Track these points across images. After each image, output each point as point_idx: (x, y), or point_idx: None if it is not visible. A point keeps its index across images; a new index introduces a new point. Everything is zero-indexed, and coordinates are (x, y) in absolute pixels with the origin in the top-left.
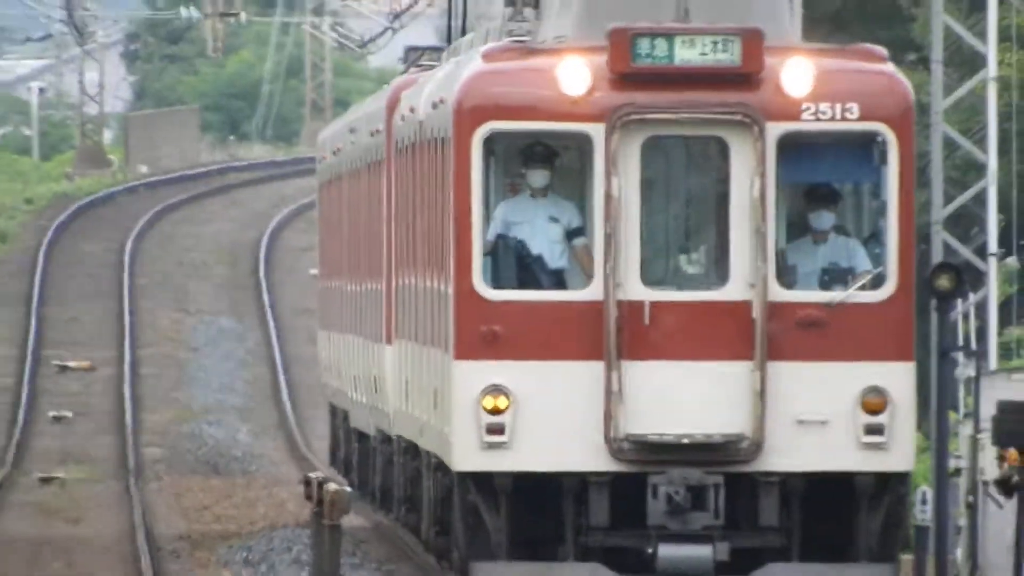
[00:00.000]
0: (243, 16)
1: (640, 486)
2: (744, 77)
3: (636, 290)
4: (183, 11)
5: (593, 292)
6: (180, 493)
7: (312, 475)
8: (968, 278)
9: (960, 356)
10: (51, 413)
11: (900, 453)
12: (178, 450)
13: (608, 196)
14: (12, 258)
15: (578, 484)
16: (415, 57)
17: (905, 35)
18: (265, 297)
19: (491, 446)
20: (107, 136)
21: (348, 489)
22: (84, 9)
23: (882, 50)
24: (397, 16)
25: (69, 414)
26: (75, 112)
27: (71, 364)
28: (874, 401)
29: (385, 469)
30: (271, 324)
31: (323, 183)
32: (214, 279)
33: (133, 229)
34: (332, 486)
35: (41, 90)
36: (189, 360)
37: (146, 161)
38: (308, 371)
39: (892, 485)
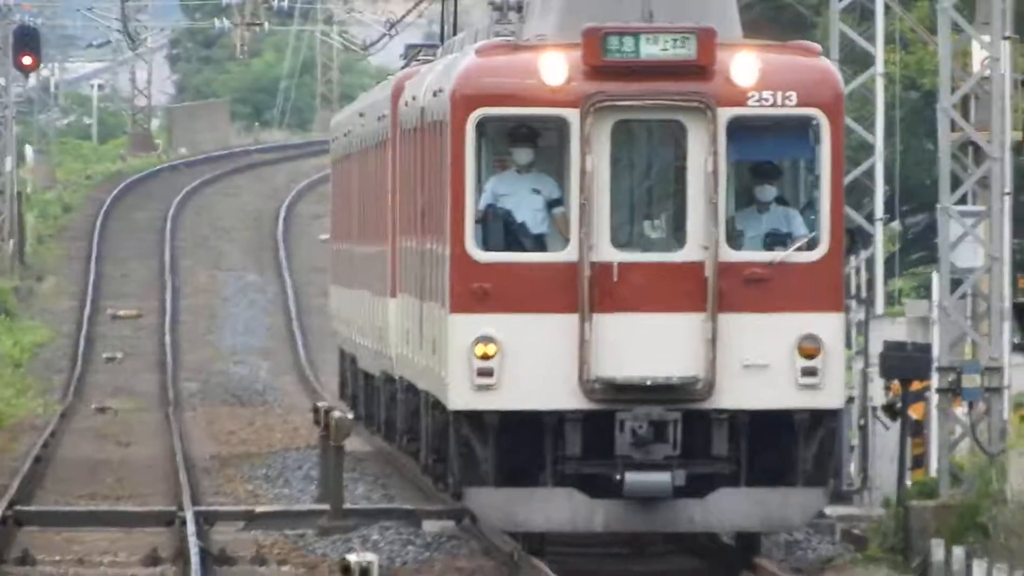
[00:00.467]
0: (266, 25)
1: (609, 422)
2: (699, 69)
3: (606, 252)
4: (216, 21)
5: (569, 254)
6: (211, 420)
7: (320, 404)
8: (860, 239)
9: (853, 303)
10: (105, 354)
11: (832, 392)
12: (210, 384)
13: (582, 171)
14: (75, 224)
15: (556, 420)
16: (414, 53)
17: (809, 39)
18: (283, 256)
19: (481, 388)
20: (154, 124)
21: (350, 416)
22: (136, 20)
23: (816, 46)
24: (393, 24)
25: (120, 355)
26: (127, 104)
27: (122, 313)
28: (809, 347)
29: (388, 405)
30: (287, 279)
31: (335, 161)
32: (241, 241)
33: (174, 200)
34: (337, 413)
35: (100, 87)
36: (219, 309)
37: (186, 144)
38: (317, 319)
39: (825, 420)
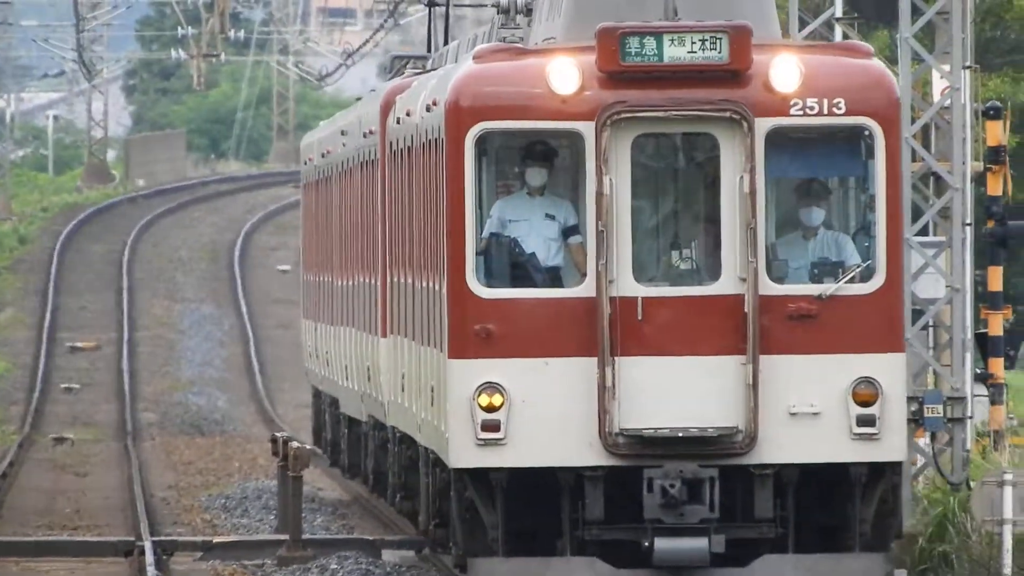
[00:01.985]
0: (222, 56)
1: (635, 480)
2: (732, 74)
3: (629, 286)
4: (173, 52)
5: (586, 289)
6: (169, 451)
7: (279, 435)
8: None
9: None
10: (63, 385)
11: (892, 443)
12: (168, 415)
13: (599, 194)
14: (31, 257)
15: (574, 479)
16: (400, 65)
17: None
18: (240, 288)
19: (487, 443)
20: (110, 155)
21: (308, 446)
22: (91, 50)
23: (867, 46)
24: (350, 55)
25: (78, 385)
26: (83, 136)
27: (80, 344)
28: (865, 392)
29: (377, 454)
30: (244, 310)
31: (308, 183)
32: (198, 273)
33: (131, 232)
34: (295, 444)
35: (55, 117)
36: (177, 340)
37: (143, 176)
38: (275, 349)
39: (886, 475)
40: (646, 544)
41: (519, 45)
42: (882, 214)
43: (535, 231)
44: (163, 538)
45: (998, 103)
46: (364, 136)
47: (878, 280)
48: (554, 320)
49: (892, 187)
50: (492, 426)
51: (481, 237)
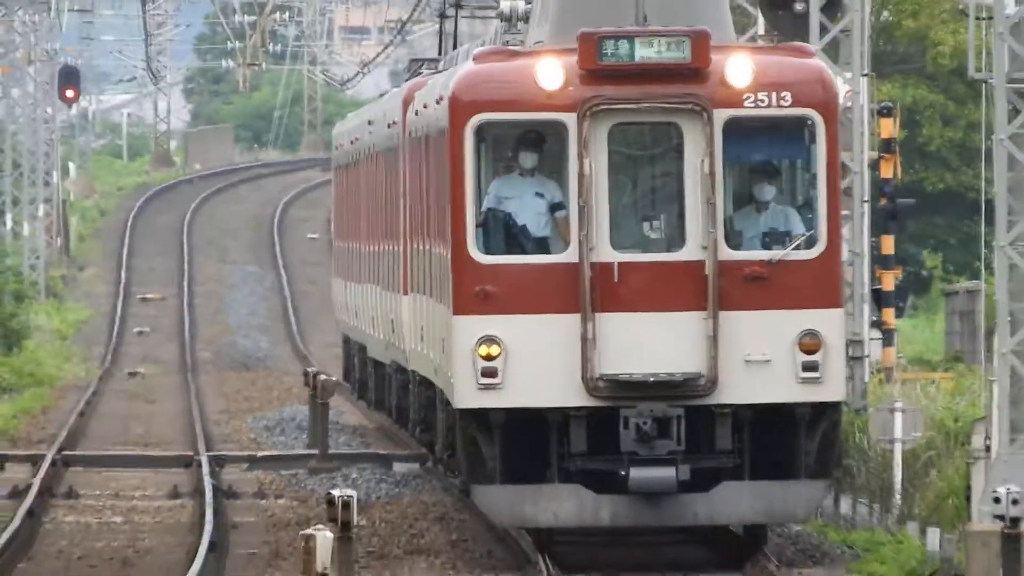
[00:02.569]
0: (263, 65)
1: (613, 419)
2: (694, 71)
3: (606, 253)
4: (224, 62)
5: (570, 255)
6: (221, 382)
7: (309, 369)
8: None
9: None
10: (135, 329)
11: (833, 386)
12: (220, 354)
13: (580, 175)
14: (109, 226)
15: (560, 418)
16: (417, 67)
17: None
18: (278, 252)
19: (486, 387)
20: (172, 145)
21: (333, 378)
22: (157, 60)
23: (811, 47)
24: (366, 64)
25: (147, 329)
26: (151, 129)
27: (149, 296)
28: (809, 342)
29: (400, 394)
30: (282, 270)
31: (339, 166)
32: (243, 239)
33: (190, 207)
34: (323, 376)
35: (128, 115)
36: (226, 294)
37: (199, 161)
38: (307, 301)
39: (827, 413)
40: (622, 473)
41: (513, 48)
42: (823, 191)
43: (526, 207)
44: (216, 453)
45: (890, 104)
46: (388, 127)
47: (820, 247)
48: (543, 282)
49: (831, 168)
50: (491, 372)
51: (480, 211)
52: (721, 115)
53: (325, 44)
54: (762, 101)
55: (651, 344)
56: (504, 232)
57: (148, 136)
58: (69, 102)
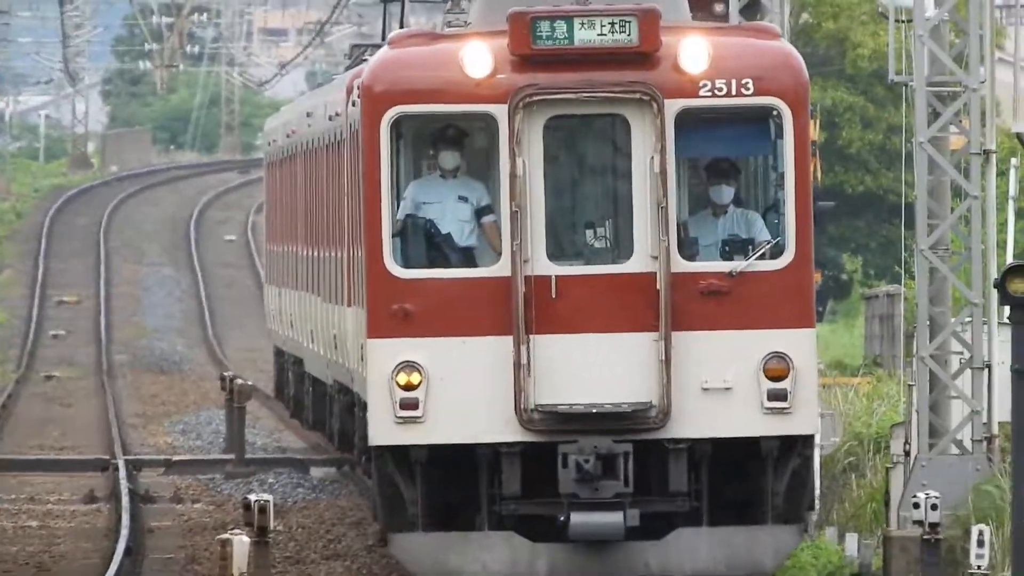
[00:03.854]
0: (180, 66)
1: (551, 456)
2: (642, 56)
3: (543, 265)
4: (141, 64)
5: (501, 268)
6: (138, 386)
7: (226, 374)
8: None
9: None
10: (51, 332)
11: (803, 417)
12: (136, 356)
13: (512, 175)
14: (25, 228)
15: (491, 455)
16: (359, 53)
17: None
18: (194, 254)
19: (405, 420)
20: (90, 147)
21: (249, 383)
22: (75, 62)
23: (775, 27)
24: (283, 66)
25: (63, 332)
26: (68, 131)
27: (65, 299)
28: (776, 368)
29: (343, 416)
30: (199, 272)
31: (272, 162)
32: (160, 241)
33: (107, 208)
34: (239, 381)
35: (46, 116)
36: (143, 296)
37: (116, 163)
38: (223, 304)
39: (797, 448)
40: (562, 519)
41: (434, 31)
42: (791, 192)
43: (448, 213)
44: (133, 457)
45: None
46: (330, 119)
47: (788, 256)
48: (470, 299)
49: (801, 166)
50: (411, 404)
51: (396, 219)
52: (673, 106)
53: (243, 46)
54: (720, 89)
55: (594, 370)
56: (425, 242)
57: (66, 138)
58: None
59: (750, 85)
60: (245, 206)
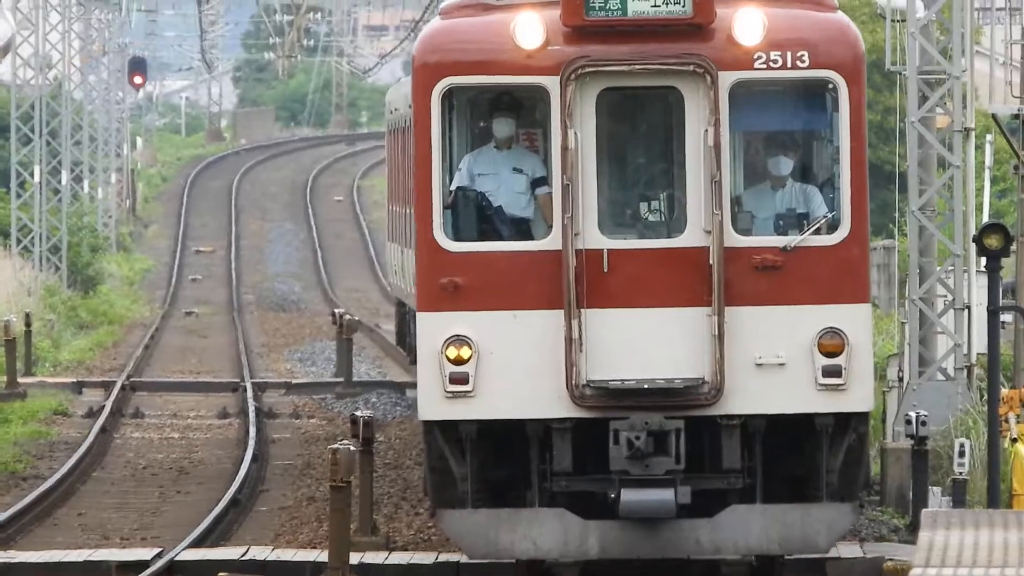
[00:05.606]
0: (299, 57)
1: (602, 432)
2: (696, 28)
3: (595, 239)
4: (266, 54)
5: (552, 241)
6: (263, 321)
7: (336, 311)
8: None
9: None
10: (190, 277)
11: (858, 394)
12: (261, 297)
13: (564, 147)
14: (169, 190)
15: (542, 431)
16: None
17: None
18: (310, 212)
19: (455, 395)
20: (223, 123)
21: (356, 318)
22: (211, 52)
23: (832, 0)
24: (383, 56)
25: (200, 277)
26: (205, 110)
27: (202, 249)
28: (831, 343)
29: None
30: (313, 227)
31: (391, 130)
32: (281, 201)
33: (237, 174)
34: (347, 316)
35: (186, 98)
36: (267, 247)
37: (245, 137)
38: (333, 253)
39: (852, 425)
40: (612, 496)
41: (486, 1)
42: (846, 166)
43: (504, 185)
44: (258, 380)
45: None
46: None
47: (843, 231)
48: (521, 273)
49: (856, 139)
50: (460, 379)
51: (449, 191)
52: (727, 78)
53: (350, 39)
54: (775, 61)
55: (646, 345)
56: (477, 215)
57: (202, 116)
58: (137, 87)
59: (805, 57)
60: (351, 172)
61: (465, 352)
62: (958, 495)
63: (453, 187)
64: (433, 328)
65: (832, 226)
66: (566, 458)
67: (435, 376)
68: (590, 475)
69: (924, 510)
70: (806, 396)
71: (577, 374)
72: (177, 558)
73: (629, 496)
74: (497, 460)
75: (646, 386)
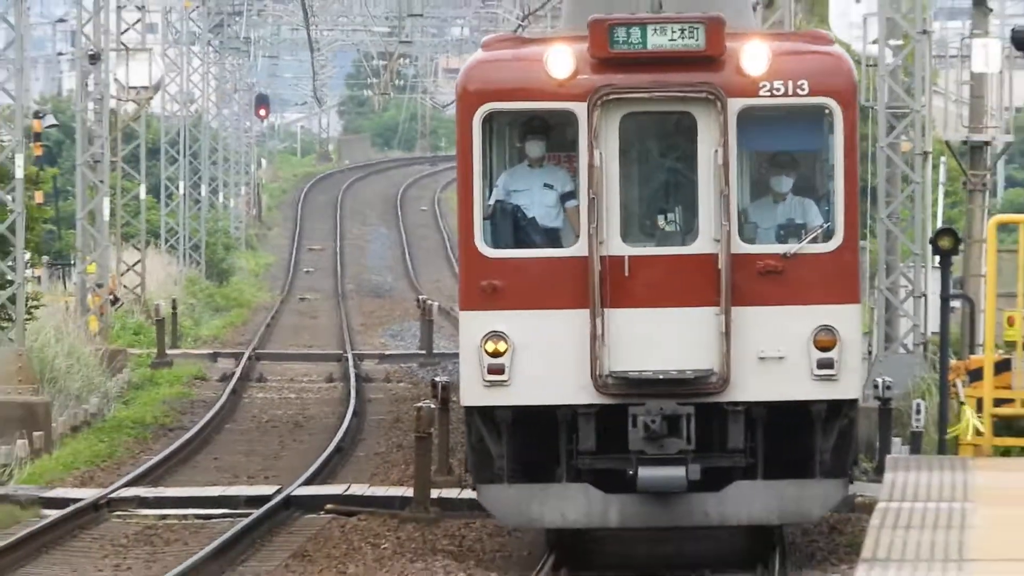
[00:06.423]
0: (391, 94)
1: (622, 416)
2: (708, 59)
3: (617, 246)
4: (365, 92)
5: (579, 249)
6: (361, 305)
7: (420, 297)
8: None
9: None
10: (304, 269)
11: (849, 383)
12: (360, 286)
13: (591, 166)
14: (287, 200)
15: (569, 415)
16: None
17: None
18: (400, 219)
19: (493, 384)
20: (330, 147)
21: (436, 303)
22: (320, 91)
23: (829, 34)
24: None
25: (312, 269)
26: (316, 136)
27: (314, 247)
28: (825, 339)
29: None
30: (403, 231)
31: None
32: (377, 210)
33: (342, 188)
34: (429, 301)
35: (301, 127)
36: (366, 246)
37: (348, 158)
38: (419, 251)
39: (843, 411)
40: (631, 472)
41: (523, 35)
42: (840, 182)
43: (536, 199)
44: (357, 352)
45: None
46: None
47: (837, 240)
48: (552, 276)
49: (850, 159)
50: (497, 369)
51: (488, 204)
52: (735, 104)
53: (432, 80)
54: (778, 89)
55: (662, 341)
56: (513, 225)
57: (314, 141)
58: (262, 118)
59: (805, 86)
60: (432, 187)
61: (502, 346)
62: (915, 444)
63: (492, 201)
64: (474, 325)
65: (827, 235)
66: (590, 439)
67: (475, 367)
68: (611, 454)
69: (888, 456)
70: (803, 385)
71: (600, 366)
72: (293, 493)
73: (646, 473)
74: (529, 441)
75: (661, 376)
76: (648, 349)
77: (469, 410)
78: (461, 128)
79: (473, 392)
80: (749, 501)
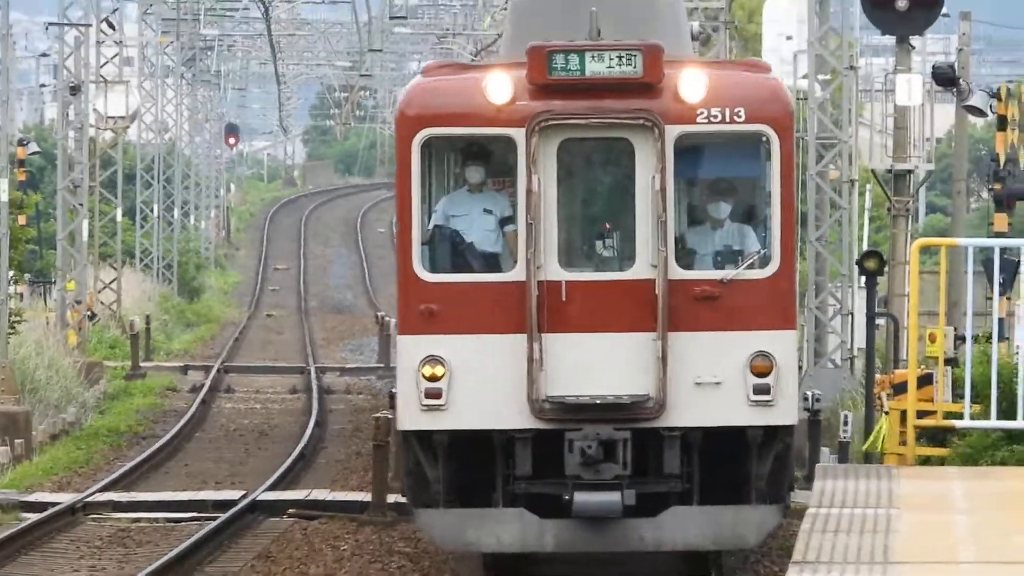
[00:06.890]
0: (352, 123)
1: (559, 441)
2: (646, 86)
3: (555, 271)
4: (327, 121)
5: (517, 274)
6: (324, 321)
7: (379, 314)
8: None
9: None
10: (270, 287)
11: (785, 409)
12: (323, 302)
13: (529, 191)
14: (255, 223)
15: (505, 440)
16: None
17: None
18: (360, 240)
19: (430, 408)
20: (295, 173)
21: (393, 319)
22: (286, 120)
23: (766, 63)
24: None
25: (278, 287)
26: (281, 163)
27: (279, 266)
28: (761, 364)
29: None
30: (362, 252)
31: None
32: (339, 232)
33: (306, 211)
34: (386, 318)
35: (267, 154)
36: (327, 265)
37: (311, 184)
38: (377, 271)
39: (779, 436)
40: (567, 497)
41: (462, 62)
42: (777, 209)
43: (475, 224)
44: (319, 365)
45: None
46: None
47: (773, 266)
48: (489, 301)
49: (786, 186)
50: (435, 393)
51: (426, 229)
52: (673, 131)
53: (391, 110)
54: (715, 117)
55: (598, 366)
56: (451, 250)
57: (279, 167)
58: (231, 146)
59: (742, 113)
60: (390, 211)
61: (439, 370)
62: (843, 454)
63: (431, 225)
64: (411, 349)
65: (764, 261)
66: (526, 464)
67: (413, 391)
68: (548, 479)
69: (817, 464)
70: (739, 411)
71: (537, 390)
72: (258, 498)
73: (581, 498)
74: (466, 466)
75: (598, 401)
76: (585, 374)
77: (406, 434)
78: (400, 153)
79: (410, 416)
80: (685, 527)
